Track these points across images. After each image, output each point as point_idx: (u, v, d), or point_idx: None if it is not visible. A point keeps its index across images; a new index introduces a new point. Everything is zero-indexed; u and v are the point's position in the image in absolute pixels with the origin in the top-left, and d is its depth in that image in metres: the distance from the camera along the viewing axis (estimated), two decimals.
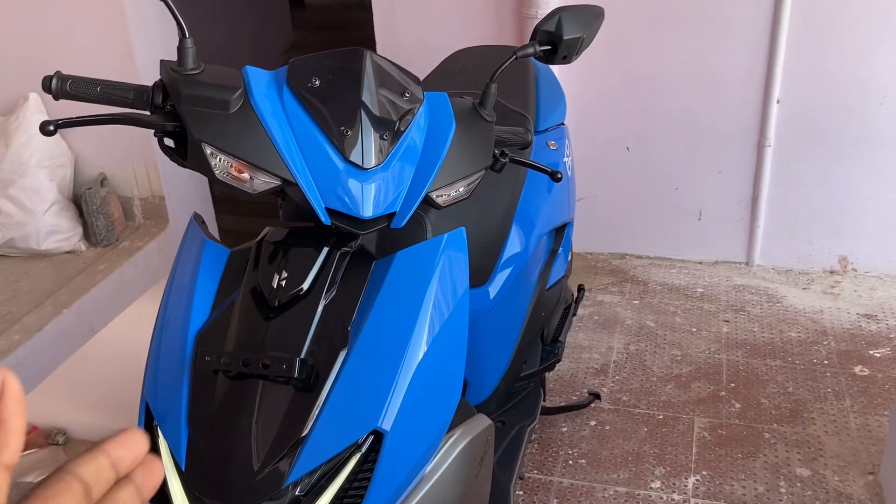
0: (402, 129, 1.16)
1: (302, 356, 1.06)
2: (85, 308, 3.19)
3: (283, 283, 1.11)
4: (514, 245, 1.75)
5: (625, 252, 3.28)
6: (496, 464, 1.71)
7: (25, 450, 4.55)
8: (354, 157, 1.11)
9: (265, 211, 3.73)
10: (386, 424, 1.04)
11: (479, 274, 1.67)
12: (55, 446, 4.84)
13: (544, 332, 1.99)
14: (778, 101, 2.87)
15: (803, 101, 2.85)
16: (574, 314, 2.20)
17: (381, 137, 1.13)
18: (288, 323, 1.09)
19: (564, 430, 2.30)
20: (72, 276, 3.30)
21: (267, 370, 1.04)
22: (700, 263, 3.19)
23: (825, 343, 2.64)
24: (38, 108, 3.33)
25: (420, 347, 1.09)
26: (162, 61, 1.14)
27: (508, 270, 1.73)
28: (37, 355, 2.99)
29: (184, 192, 3.62)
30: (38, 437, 4.80)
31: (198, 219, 1.26)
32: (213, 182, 1.11)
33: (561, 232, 2.01)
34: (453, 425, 1.19)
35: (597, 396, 2.38)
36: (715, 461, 2.15)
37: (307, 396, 1.05)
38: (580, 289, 2.29)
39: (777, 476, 2.10)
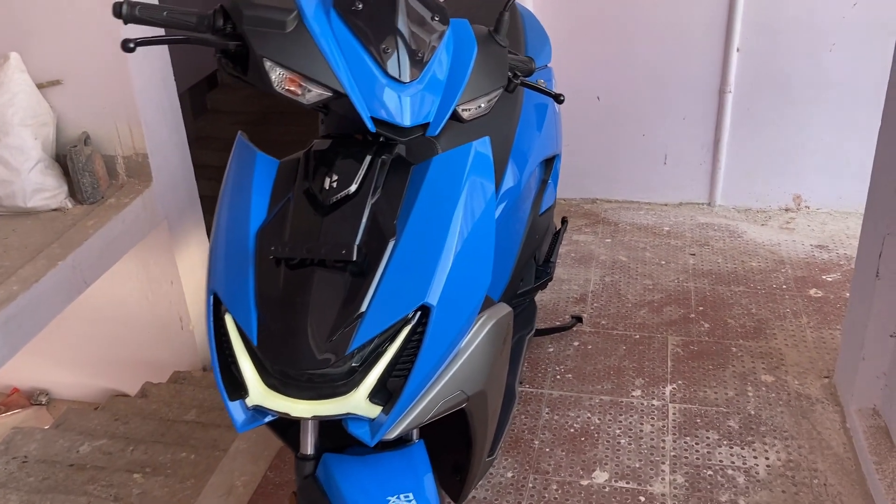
0: (432, 49, 1.32)
1: (357, 244, 1.22)
2: (79, 261, 3.28)
3: (335, 184, 1.26)
4: (511, 174, 1.93)
5: (595, 197, 3.49)
6: None
7: (8, 411, 4.61)
8: (394, 71, 1.26)
9: None
10: (432, 299, 1.21)
11: None
12: (38, 406, 4.92)
13: (537, 255, 2.18)
14: (738, 50, 3.08)
15: (761, 49, 3.07)
16: (562, 237, 2.39)
17: (416, 56, 1.29)
18: (341, 218, 1.24)
19: (551, 349, 2.50)
20: (62, 231, 3.37)
21: (328, 254, 1.20)
22: (665, 205, 3.41)
23: (783, 271, 2.88)
24: (19, 66, 3.37)
25: (457, 237, 1.26)
26: None
27: (507, 197, 1.91)
28: (35, 307, 3.07)
29: (166, 151, 3.70)
30: (21, 399, 4.87)
31: (244, 135, 1.40)
32: (272, 94, 1.25)
33: (550, 163, 2.19)
34: (481, 310, 1.36)
35: (579, 319, 2.58)
36: (689, 372, 2.38)
37: (362, 280, 1.21)
38: (563, 221, 2.48)
39: (744, 382, 2.33)
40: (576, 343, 2.54)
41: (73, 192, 3.50)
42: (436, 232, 1.25)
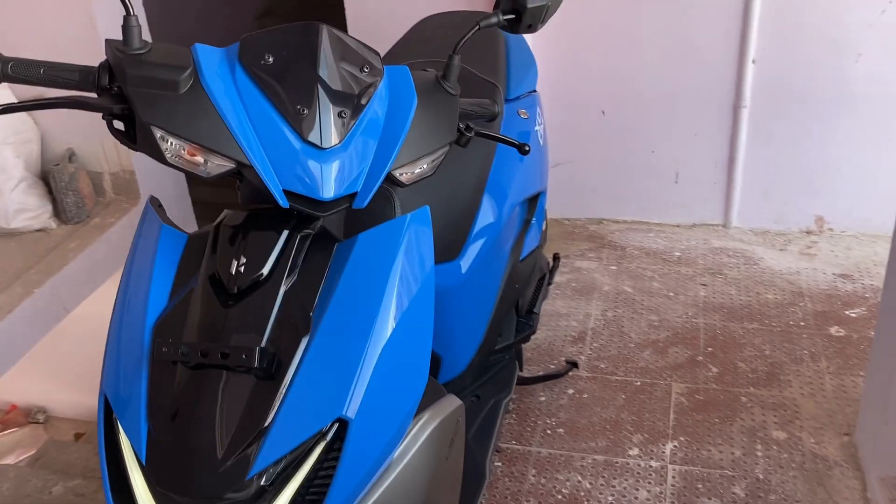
0: (361, 105, 1.12)
1: (262, 345, 1.03)
2: (57, 287, 3.14)
3: (242, 268, 1.07)
4: (485, 217, 1.73)
5: (602, 217, 3.26)
6: (471, 439, 1.70)
7: (6, 429, 4.50)
8: (312, 136, 1.07)
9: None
10: (350, 412, 1.02)
11: (451, 248, 1.64)
12: (35, 424, 4.80)
13: (519, 304, 1.97)
14: (753, 62, 2.83)
15: (778, 61, 2.82)
16: (550, 283, 2.18)
17: (340, 115, 1.09)
18: (248, 310, 1.06)
19: (542, 399, 2.30)
20: (42, 255, 3.24)
21: (226, 360, 1.01)
22: (677, 227, 3.18)
23: (801, 304, 2.64)
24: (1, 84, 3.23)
25: (384, 331, 1.06)
26: (107, 41, 1.09)
27: (480, 243, 1.71)
28: (10, 336, 2.94)
29: (154, 166, 3.54)
30: (19, 416, 4.76)
31: (154, 202, 1.22)
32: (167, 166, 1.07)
33: (534, 201, 1.98)
34: (422, 407, 1.17)
35: (574, 365, 2.37)
36: (692, 426, 2.16)
37: (269, 385, 1.03)
38: (555, 258, 2.27)
39: (754, 440, 2.10)
40: (570, 391, 2.33)
41: (58, 212, 3.36)
42: (358, 326, 1.06)
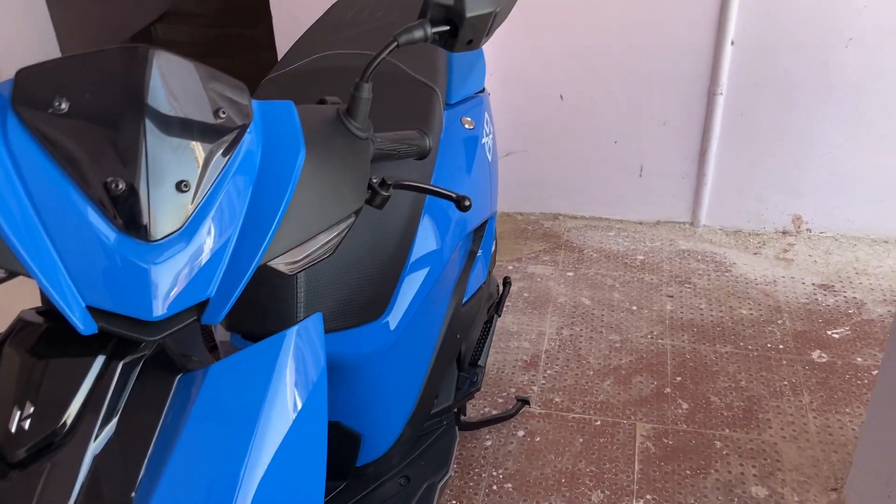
0: (215, 168, 0.75)
1: None
2: None
3: (28, 422, 0.71)
4: (419, 261, 1.37)
5: (558, 212, 2.93)
6: None
7: None
8: (133, 223, 0.70)
9: None
10: None
11: (374, 304, 1.29)
12: None
13: (461, 354, 1.63)
14: (732, 43, 2.50)
15: (760, 43, 2.49)
16: (499, 315, 1.85)
17: (180, 188, 0.72)
18: (34, 490, 0.70)
19: (488, 444, 1.98)
20: None
21: None
22: (640, 224, 2.87)
23: (779, 322, 2.36)
24: None
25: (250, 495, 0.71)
26: None
27: (413, 292, 1.36)
28: None
29: None
30: None
31: None
32: None
33: (481, 230, 1.63)
34: None
35: (525, 402, 2.05)
36: (660, 480, 1.87)
37: None
38: (506, 283, 1.94)
39: (730, 498, 1.82)
40: (521, 433, 2.01)
41: None
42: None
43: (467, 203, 1.02)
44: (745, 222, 2.79)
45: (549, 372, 2.21)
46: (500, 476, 1.90)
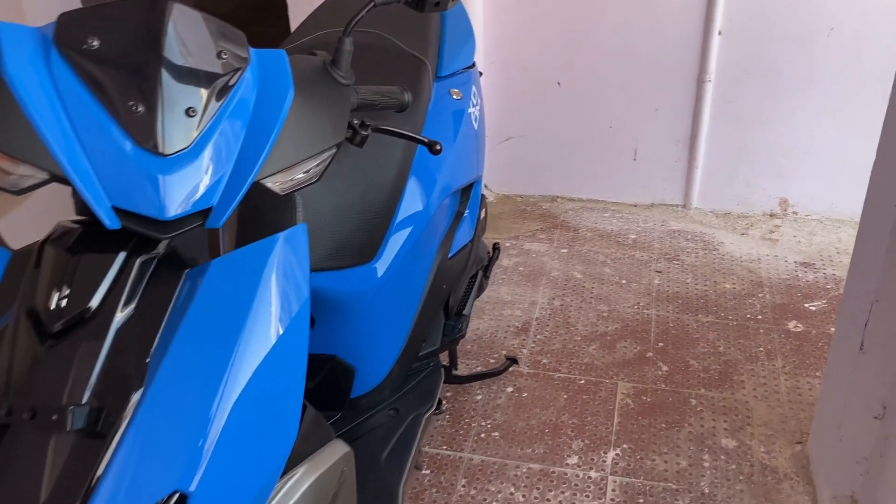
0: (218, 99, 0.91)
1: (84, 400, 0.84)
2: None
3: (65, 301, 0.87)
4: (407, 212, 1.53)
5: (556, 194, 3.08)
6: (385, 459, 1.53)
7: None
8: (150, 140, 0.87)
9: None
10: (190, 484, 0.83)
11: (365, 250, 1.45)
12: None
13: (448, 304, 1.79)
14: (720, 33, 2.64)
15: (747, 32, 2.63)
16: (487, 276, 2.00)
17: (188, 113, 0.89)
18: (69, 354, 0.86)
19: (479, 398, 2.13)
20: None
21: (35, 420, 0.82)
22: (634, 206, 3.01)
23: (760, 296, 2.49)
24: None
25: (240, 381, 0.87)
26: None
27: (401, 242, 1.52)
28: None
29: None
30: None
31: None
32: None
33: (468, 191, 1.79)
34: (300, 457, 0.99)
35: (514, 361, 2.20)
36: (637, 432, 2.01)
37: (94, 446, 0.84)
38: (495, 248, 2.09)
39: (701, 448, 1.96)
40: (509, 389, 2.16)
41: None
42: (206, 375, 0.87)
43: (438, 147, 1.18)
44: (734, 205, 2.93)
45: (538, 337, 2.35)
46: (489, 426, 2.05)
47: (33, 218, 2.95)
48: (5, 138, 0.84)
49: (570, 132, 2.94)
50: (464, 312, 1.80)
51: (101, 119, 0.86)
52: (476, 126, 1.79)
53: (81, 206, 0.97)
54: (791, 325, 2.37)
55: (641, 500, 1.83)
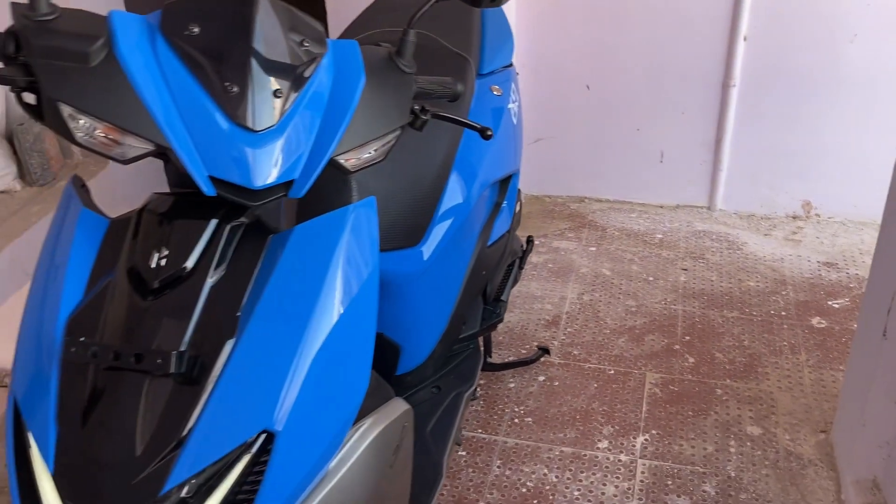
0: (301, 83, 1.01)
1: (182, 347, 0.93)
2: (18, 253, 3.03)
3: (164, 261, 0.97)
4: (451, 200, 1.63)
5: (583, 195, 3.17)
6: (429, 433, 1.62)
7: None
8: (243, 117, 0.96)
9: None
10: (278, 424, 0.93)
11: (412, 233, 1.54)
12: (3, 388, 4.71)
13: (486, 291, 1.88)
14: (745, 39, 2.72)
15: (771, 38, 2.71)
16: (521, 268, 2.09)
17: (276, 94, 0.99)
18: (168, 308, 0.96)
19: (512, 385, 2.22)
20: (4, 218, 3.12)
21: (140, 364, 0.92)
22: (661, 207, 3.09)
23: (784, 293, 2.57)
24: None
25: (319, 335, 0.97)
26: (12, 4, 0.97)
27: (445, 228, 1.61)
28: None
29: None
30: None
31: (77, 182, 1.11)
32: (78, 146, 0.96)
33: (506, 183, 1.88)
34: (364, 412, 1.08)
35: (546, 351, 2.29)
36: (665, 419, 2.09)
37: (190, 390, 0.93)
38: (528, 241, 2.18)
39: (727, 435, 2.03)
40: (541, 378, 2.25)
41: (23, 174, 3.24)
42: (289, 328, 0.96)
43: (489, 133, 1.27)
44: (758, 207, 3.00)
45: (569, 329, 2.44)
46: (522, 412, 2.13)
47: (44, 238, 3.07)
48: (118, 112, 0.94)
49: (598, 134, 3.02)
50: (502, 298, 1.89)
51: (200, 97, 0.96)
52: (515, 121, 1.89)
53: (175, 179, 1.07)
54: (814, 321, 2.43)
55: (670, 483, 1.90)
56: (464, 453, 2.00)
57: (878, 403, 1.73)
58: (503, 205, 1.86)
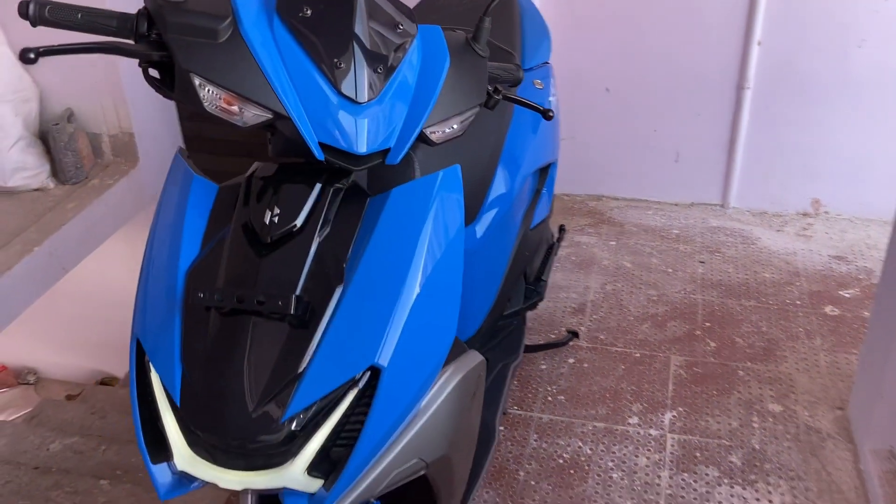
0: (395, 63, 1.13)
1: (297, 293, 1.05)
2: (56, 247, 3.13)
3: (276, 219, 1.09)
4: (499, 185, 1.75)
5: (602, 193, 3.29)
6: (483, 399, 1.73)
7: None
8: (348, 90, 1.09)
9: (237, 149, 3.68)
10: (383, 360, 1.04)
11: (467, 213, 1.65)
12: (26, 385, 4.80)
13: (527, 272, 2.00)
14: (759, 44, 2.86)
15: (784, 43, 2.85)
16: (556, 253, 2.21)
17: (375, 71, 1.11)
18: (281, 259, 1.08)
19: (544, 367, 2.34)
20: (41, 214, 3.23)
21: (262, 307, 1.03)
22: (676, 205, 3.22)
23: (797, 284, 2.69)
24: (0, 39, 3.20)
25: (416, 284, 1.09)
26: None
27: (494, 210, 1.73)
28: (8, 295, 2.93)
29: (154, 129, 3.53)
30: (9, 377, 4.76)
31: (183, 153, 1.23)
32: (202, 114, 1.08)
33: (545, 172, 2.00)
34: (447, 362, 1.20)
35: (575, 335, 2.41)
36: (690, 398, 2.21)
37: (303, 332, 1.05)
38: (561, 229, 2.30)
39: (750, 412, 2.15)
40: (571, 360, 2.36)
41: (56, 172, 3.34)
42: (391, 278, 1.08)
43: (550, 114, 1.39)
44: (769, 205, 3.13)
45: (594, 317, 2.56)
46: (554, 390, 2.25)
47: (81, 233, 3.19)
48: (243, 84, 1.06)
49: (616, 135, 3.15)
50: (543, 278, 2.01)
51: (311, 72, 1.08)
52: (554, 114, 2.01)
53: (280, 148, 1.19)
54: (827, 309, 2.56)
55: (698, 454, 2.02)
56: (502, 428, 2.11)
57: (894, 376, 1.85)
58: (543, 191, 1.99)
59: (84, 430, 2.99)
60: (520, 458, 2.02)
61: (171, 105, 3.48)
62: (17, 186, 3.28)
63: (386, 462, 1.10)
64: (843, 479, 1.94)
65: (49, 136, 3.32)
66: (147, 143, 3.48)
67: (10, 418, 3.87)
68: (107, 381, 4.38)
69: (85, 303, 4.19)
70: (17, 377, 4.69)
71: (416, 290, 1.09)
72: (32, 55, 1.04)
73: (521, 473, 1.98)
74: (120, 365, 4.31)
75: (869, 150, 2.95)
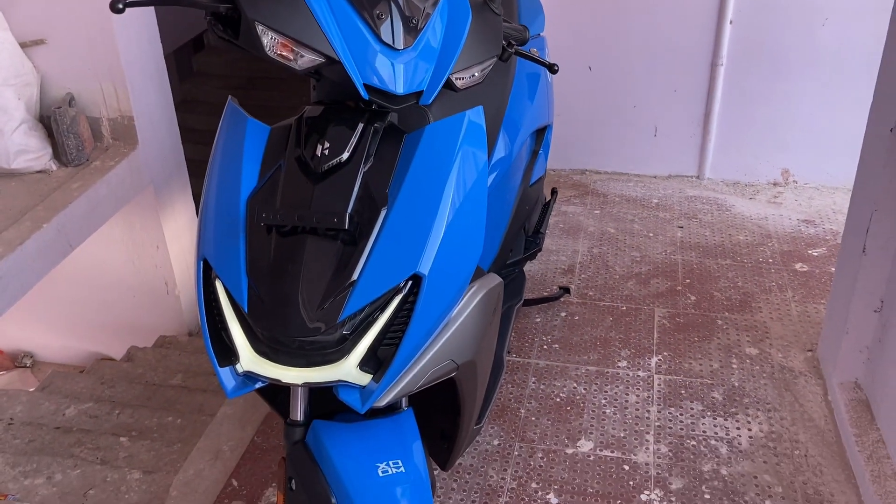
0: (427, 16, 1.30)
1: (349, 212, 1.21)
2: (63, 223, 3.25)
3: (326, 152, 1.25)
4: (503, 144, 1.92)
5: (585, 168, 3.48)
6: None
7: None
8: (387, 38, 1.25)
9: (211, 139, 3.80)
10: (423, 269, 1.21)
11: None
12: (22, 369, 4.89)
13: (526, 225, 2.17)
14: (731, 23, 3.06)
15: (754, 22, 3.06)
16: (551, 210, 2.39)
17: (410, 22, 1.28)
18: (332, 186, 1.24)
19: (538, 320, 2.52)
20: (46, 194, 3.34)
21: (319, 224, 1.19)
22: (655, 177, 3.42)
23: (769, 244, 2.90)
24: (2, 24, 3.30)
25: (449, 207, 1.25)
26: None
27: (497, 168, 1.90)
28: (21, 269, 3.05)
29: (152, 113, 3.65)
30: (5, 361, 4.85)
31: (234, 100, 1.38)
32: (264, 59, 1.24)
33: (541, 134, 2.18)
34: (472, 280, 1.37)
35: (567, 290, 2.59)
36: (674, 344, 2.40)
37: (352, 248, 1.21)
38: (553, 191, 2.48)
39: (729, 355, 2.35)
40: (563, 314, 2.55)
41: (58, 154, 3.45)
42: (428, 201, 1.25)
43: (556, 68, 1.57)
44: (742, 175, 3.34)
45: (583, 276, 2.74)
46: (549, 340, 2.43)
47: (86, 212, 3.31)
48: (300, 31, 1.22)
49: (598, 112, 3.35)
50: (541, 231, 2.19)
51: (357, 22, 1.25)
52: (549, 80, 2.19)
53: (326, 91, 1.35)
54: (797, 265, 2.77)
55: (683, 392, 2.21)
56: (509, 359, 2.29)
57: (858, 313, 2.06)
58: (539, 152, 2.16)
59: (95, 397, 3.11)
60: (520, 397, 2.20)
61: (168, 90, 3.60)
62: (20, 168, 3.39)
63: (424, 361, 1.26)
64: (814, 409, 2.14)
65: (52, 119, 3.43)
66: (146, 126, 3.60)
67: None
68: None
69: (81, 285, 4.28)
70: (14, 360, 4.77)
71: (449, 211, 1.25)
72: (121, 5, 1.19)
73: (523, 411, 2.16)
74: (117, 347, 4.41)
75: (833, 123, 3.17)
